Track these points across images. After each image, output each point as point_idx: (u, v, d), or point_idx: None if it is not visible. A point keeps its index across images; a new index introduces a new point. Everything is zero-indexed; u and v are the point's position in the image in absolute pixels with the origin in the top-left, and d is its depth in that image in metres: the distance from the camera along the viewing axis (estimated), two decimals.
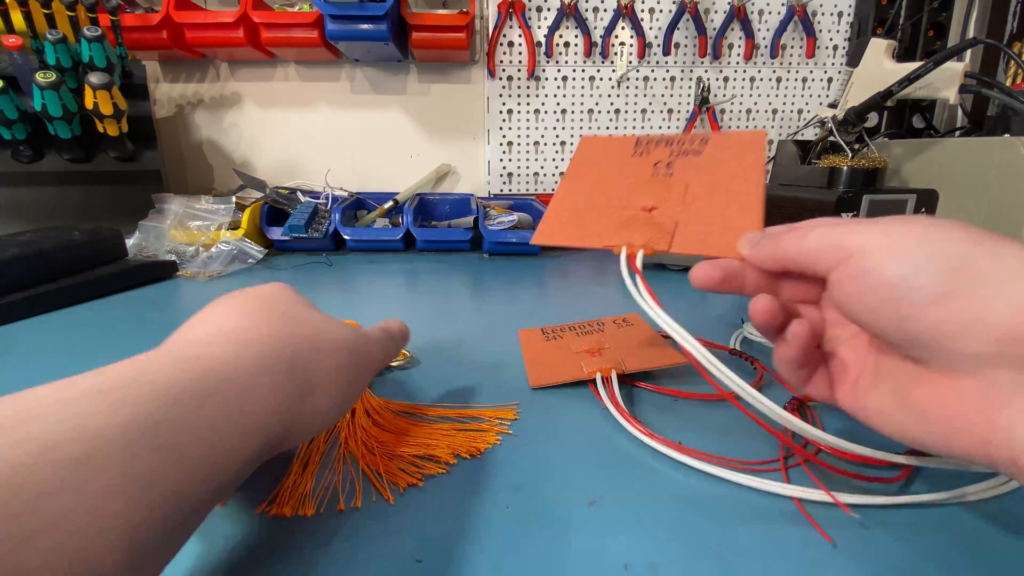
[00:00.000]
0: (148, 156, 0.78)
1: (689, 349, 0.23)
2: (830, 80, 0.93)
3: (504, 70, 0.89)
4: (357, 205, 0.87)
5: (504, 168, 0.94)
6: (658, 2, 0.88)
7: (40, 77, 0.66)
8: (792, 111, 0.94)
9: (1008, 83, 0.80)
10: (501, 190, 0.95)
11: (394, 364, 0.35)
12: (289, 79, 0.91)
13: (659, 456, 0.26)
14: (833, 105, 0.82)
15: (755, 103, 0.93)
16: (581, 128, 0.93)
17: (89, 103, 0.68)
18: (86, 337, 0.44)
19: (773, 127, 0.95)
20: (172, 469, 0.15)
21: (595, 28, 0.88)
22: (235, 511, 0.23)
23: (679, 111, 0.93)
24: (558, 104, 0.92)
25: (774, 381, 0.34)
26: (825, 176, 0.69)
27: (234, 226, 0.73)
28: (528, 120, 0.92)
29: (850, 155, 0.68)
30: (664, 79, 0.91)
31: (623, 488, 0.24)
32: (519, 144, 0.93)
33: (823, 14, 0.89)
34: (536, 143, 0.93)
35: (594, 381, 0.32)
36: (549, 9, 0.87)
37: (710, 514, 0.22)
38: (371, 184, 0.94)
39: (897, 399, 0.20)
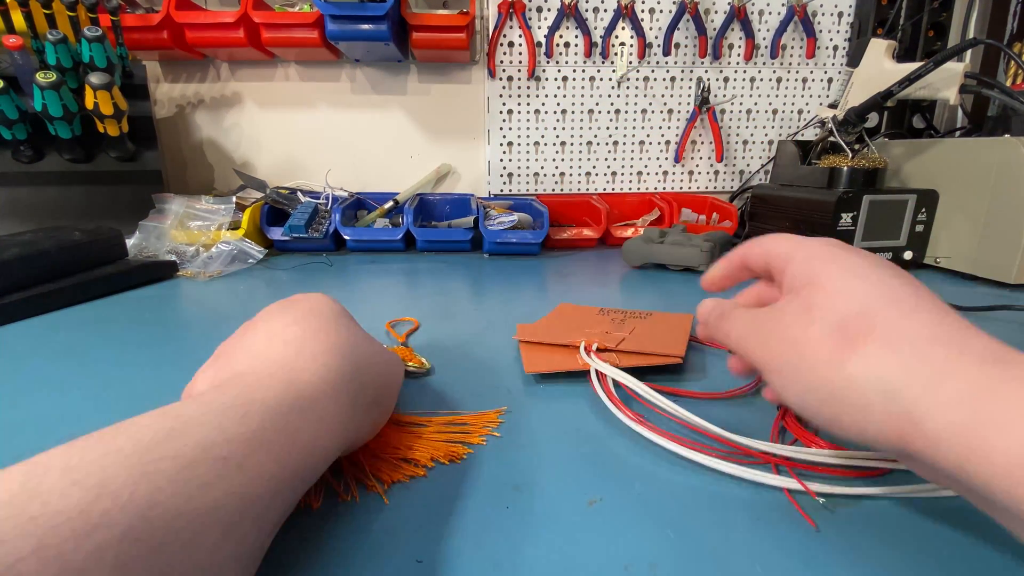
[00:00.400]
0: (148, 156, 0.78)
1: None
2: (830, 80, 0.93)
3: (504, 70, 0.89)
4: (357, 205, 0.87)
5: (504, 168, 0.94)
6: (658, 2, 0.88)
7: (41, 77, 0.66)
8: (792, 111, 0.94)
9: (1008, 83, 0.80)
10: (501, 190, 0.95)
11: (412, 370, 0.36)
12: (289, 79, 0.91)
13: (659, 456, 0.26)
14: (833, 105, 0.82)
15: (755, 103, 0.93)
16: (581, 128, 0.93)
17: (89, 103, 0.68)
18: (86, 337, 0.44)
19: (773, 127, 0.95)
20: (279, 472, 0.18)
21: (595, 28, 0.88)
22: None
23: (679, 111, 0.93)
24: (558, 104, 0.92)
25: None
26: (825, 176, 0.69)
27: (234, 226, 0.73)
28: (528, 120, 0.92)
29: (850, 155, 0.68)
30: (664, 79, 0.91)
31: (623, 488, 0.24)
32: (519, 144, 0.93)
33: (823, 14, 0.90)
34: (536, 143, 0.93)
35: (590, 375, 0.33)
36: (549, 9, 0.87)
37: (709, 513, 0.22)
38: (371, 184, 0.94)
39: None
